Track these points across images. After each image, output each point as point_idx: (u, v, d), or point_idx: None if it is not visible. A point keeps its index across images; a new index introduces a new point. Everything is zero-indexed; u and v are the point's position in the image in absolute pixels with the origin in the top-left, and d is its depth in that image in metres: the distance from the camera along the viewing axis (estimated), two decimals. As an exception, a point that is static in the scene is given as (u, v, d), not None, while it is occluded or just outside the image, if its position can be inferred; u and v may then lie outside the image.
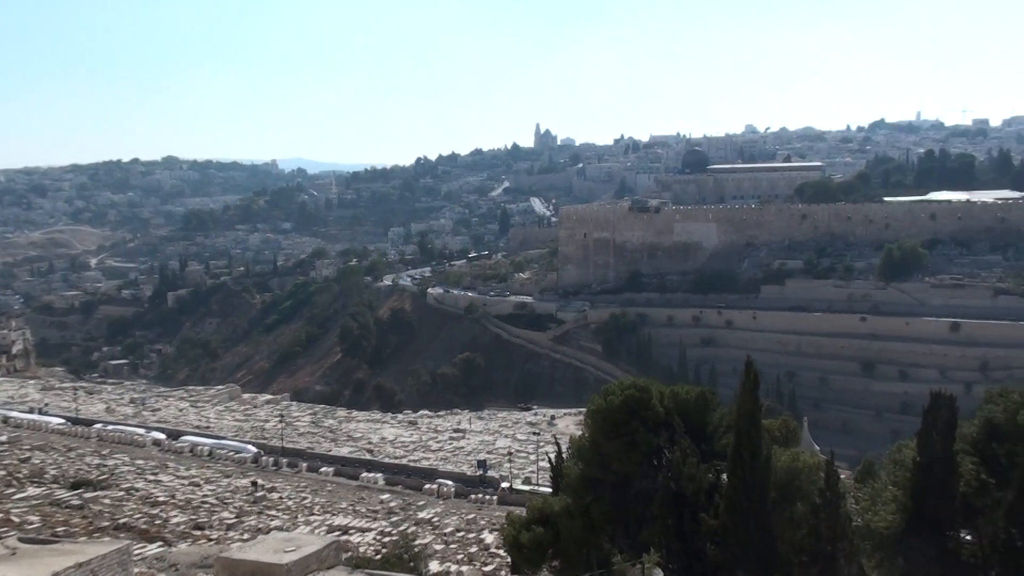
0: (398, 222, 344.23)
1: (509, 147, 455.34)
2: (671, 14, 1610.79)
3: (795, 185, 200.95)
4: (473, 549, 53.70)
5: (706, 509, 29.05)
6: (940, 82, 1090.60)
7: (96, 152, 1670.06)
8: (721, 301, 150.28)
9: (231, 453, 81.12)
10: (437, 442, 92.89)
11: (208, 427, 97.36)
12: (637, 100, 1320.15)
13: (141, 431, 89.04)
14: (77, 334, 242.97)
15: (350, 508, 63.69)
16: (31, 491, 56.70)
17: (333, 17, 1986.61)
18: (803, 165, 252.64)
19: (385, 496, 68.15)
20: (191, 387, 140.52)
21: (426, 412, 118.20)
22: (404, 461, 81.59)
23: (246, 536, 53.17)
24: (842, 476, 30.38)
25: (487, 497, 67.98)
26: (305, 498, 66.24)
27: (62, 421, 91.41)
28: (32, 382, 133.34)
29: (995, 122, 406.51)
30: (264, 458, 79.83)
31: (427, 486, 71.06)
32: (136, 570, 25.63)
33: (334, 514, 61.47)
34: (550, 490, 44.08)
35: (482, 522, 60.01)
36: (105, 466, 70.53)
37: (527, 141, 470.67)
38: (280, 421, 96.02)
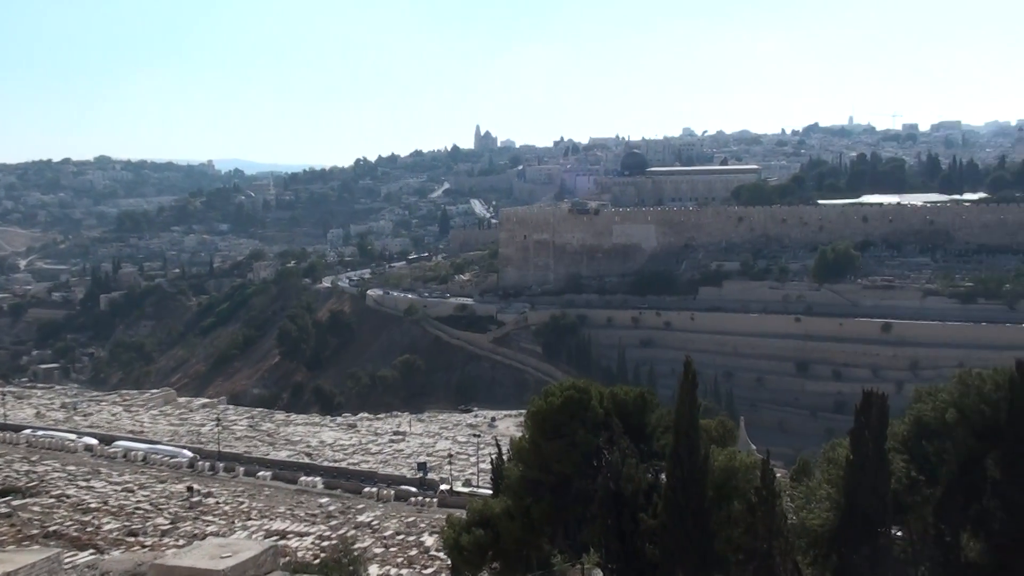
0: (337, 224, 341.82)
1: (449, 149, 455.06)
2: (610, 17, 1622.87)
3: (732, 188, 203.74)
4: (413, 552, 53.54)
5: (645, 509, 29.28)
6: (872, 87, 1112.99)
7: (25, 151, 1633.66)
8: (660, 302, 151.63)
9: (166, 458, 79.86)
10: (377, 445, 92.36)
11: (142, 432, 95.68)
12: (577, 102, 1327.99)
13: (72, 436, 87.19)
14: (5, 337, 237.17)
15: (288, 512, 63.12)
16: (-43, 499, 55.28)
17: (271, 17, 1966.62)
18: (740, 168, 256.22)
19: (324, 500, 67.66)
20: (124, 391, 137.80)
21: (366, 415, 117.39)
22: (343, 464, 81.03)
23: (181, 542, 52.45)
24: (778, 475, 30.81)
25: (427, 500, 67.78)
26: (242, 503, 65.48)
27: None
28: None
29: (924, 127, 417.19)
30: (200, 463, 78.71)
31: (366, 489, 70.67)
32: (67, 579, 25.11)
33: (272, 519, 60.87)
34: (490, 492, 44.08)
35: (422, 525, 59.89)
36: (35, 473, 69.10)
37: (467, 143, 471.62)
38: (216, 425, 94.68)
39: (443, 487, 70.15)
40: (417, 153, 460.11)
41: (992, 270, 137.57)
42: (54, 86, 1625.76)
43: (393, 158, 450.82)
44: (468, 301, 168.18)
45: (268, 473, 76.11)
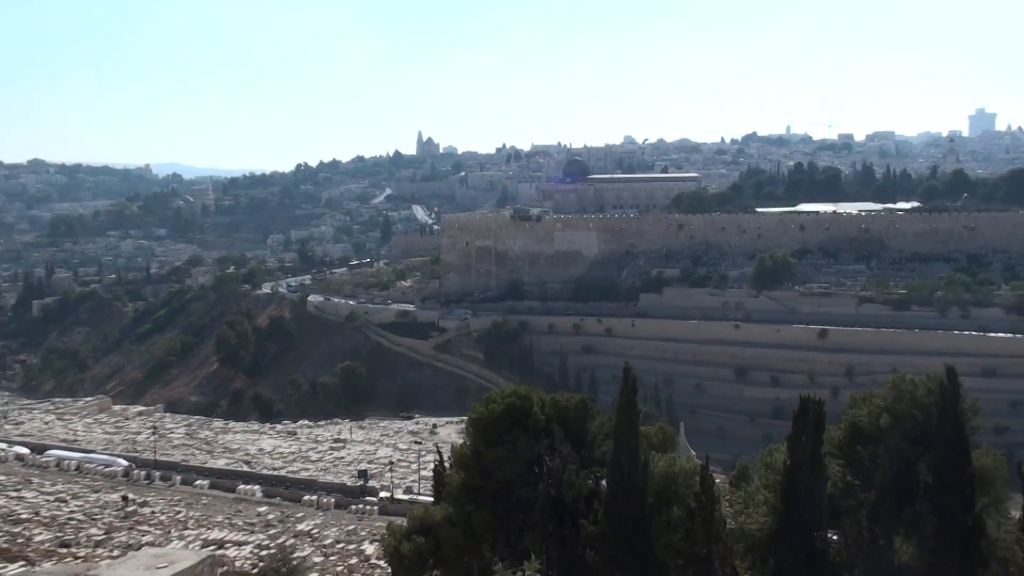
0: (277, 229, 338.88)
1: (391, 154, 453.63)
2: (552, 25, 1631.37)
3: (672, 195, 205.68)
4: (353, 560, 53.19)
5: (586, 515, 29.39)
6: (808, 98, 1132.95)
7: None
8: (601, 309, 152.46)
9: (100, 467, 78.49)
10: (317, 452, 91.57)
11: (76, 440, 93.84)
12: (519, 110, 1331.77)
13: (3, 446, 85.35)
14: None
15: (226, 521, 62.35)
16: None
17: (211, 19, 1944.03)
18: (680, 176, 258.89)
19: (263, 508, 66.92)
20: (57, 399, 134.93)
21: (306, 422, 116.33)
22: (283, 472, 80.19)
23: (116, 553, 51.56)
24: (717, 480, 31.15)
25: (368, 507, 67.33)
26: (179, 512, 64.54)
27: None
28: None
29: (859, 137, 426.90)
30: (135, 472, 77.52)
31: (306, 497, 70.08)
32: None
33: (209, 528, 60.08)
34: (431, 499, 43.97)
35: (363, 533, 59.58)
36: (-38, 483, 67.33)
37: (409, 149, 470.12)
38: (153, 433, 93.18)
39: (382, 494, 69.77)
40: (359, 159, 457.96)
41: (924, 278, 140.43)
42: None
43: (335, 163, 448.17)
44: (410, 307, 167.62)
45: (206, 482, 75.12)
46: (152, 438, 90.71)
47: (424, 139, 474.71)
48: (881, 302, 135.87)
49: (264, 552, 53.63)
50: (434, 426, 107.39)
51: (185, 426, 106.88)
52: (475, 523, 32.37)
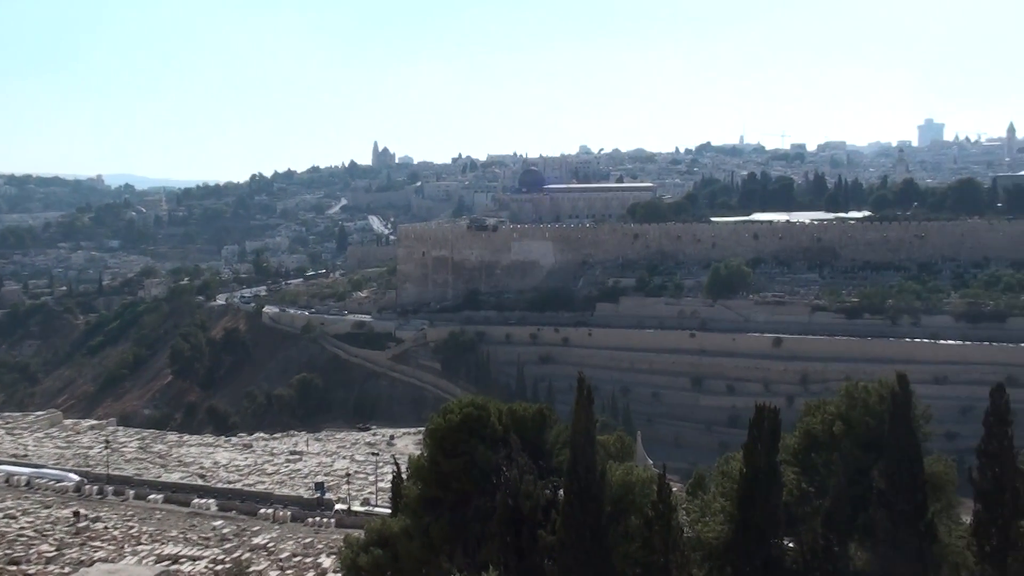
0: (232, 240, 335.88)
1: (347, 165, 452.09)
2: (507, 35, 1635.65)
3: (627, 205, 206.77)
4: (310, 574, 52.82)
5: (543, 525, 29.43)
6: (761, 108, 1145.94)
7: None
8: (558, 319, 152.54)
9: (51, 482, 77.03)
10: (273, 465, 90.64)
11: (26, 455, 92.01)
12: (475, 120, 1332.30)
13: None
14: None
15: (180, 536, 61.56)
16: None
17: (164, 29, 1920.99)
18: (635, 186, 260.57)
19: (218, 522, 66.12)
20: (7, 413, 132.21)
21: (261, 435, 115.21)
22: (238, 485, 79.18)
23: (67, 570, 50.80)
24: (674, 489, 31.32)
25: (325, 520, 66.80)
26: (132, 527, 63.60)
27: None
28: None
29: (811, 147, 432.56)
30: (88, 486, 76.19)
31: (262, 511, 69.27)
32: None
33: (163, 543, 59.29)
34: (389, 511, 43.73)
35: (320, 546, 59.13)
36: (-92, 501, 65.86)
37: (365, 159, 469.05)
38: (105, 447, 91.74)
39: (338, 506, 69.28)
40: (314, 169, 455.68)
41: (876, 286, 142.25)
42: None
43: (290, 174, 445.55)
44: (366, 318, 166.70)
45: (160, 496, 74.00)
46: (104, 452, 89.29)
47: (380, 149, 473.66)
48: (834, 310, 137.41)
49: (219, 567, 53.05)
50: (391, 437, 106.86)
51: (138, 440, 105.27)
52: (433, 534, 32.30)
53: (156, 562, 54.36)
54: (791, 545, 30.53)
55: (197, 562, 54.66)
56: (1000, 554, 27.94)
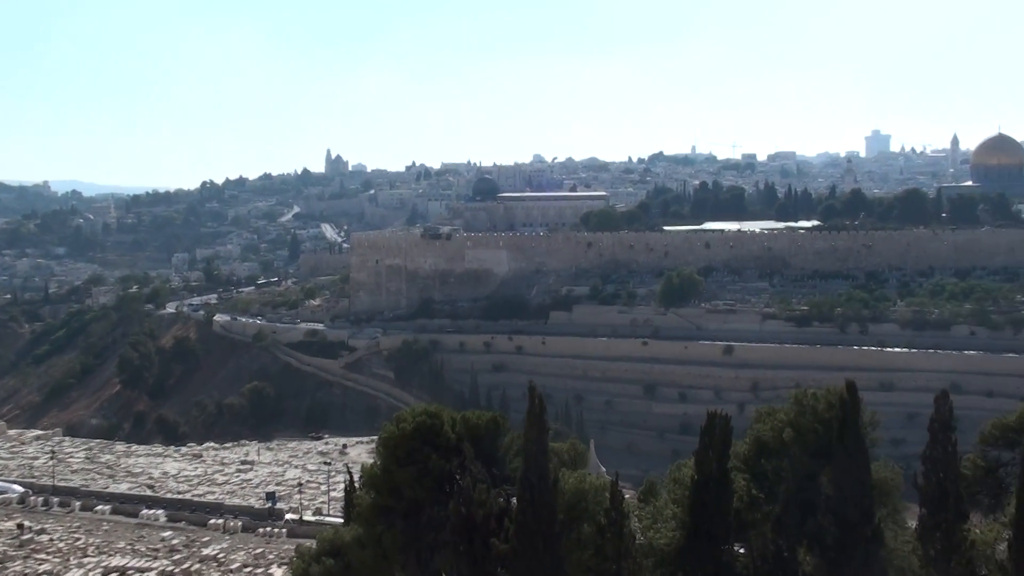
0: (182, 248, 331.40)
1: (299, 172, 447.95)
2: (461, 43, 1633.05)
3: (581, 214, 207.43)
4: (261, 585, 52.22)
5: (497, 534, 29.42)
6: (713, 118, 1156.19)
7: None
8: (512, 327, 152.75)
9: (-6, 495, 75.54)
10: (224, 475, 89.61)
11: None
12: (429, 128, 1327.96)
13: None
14: None
15: (128, 547, 60.67)
16: None
17: (113, 33, 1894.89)
18: (589, 195, 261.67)
19: (167, 533, 65.26)
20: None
21: (212, 444, 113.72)
22: (188, 496, 78.29)
23: (11, 583, 49.76)
24: (626, 496, 31.53)
25: (276, 530, 66.20)
26: (78, 539, 62.60)
27: None
28: None
29: (762, 157, 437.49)
30: (32, 498, 74.82)
31: (212, 521, 68.49)
32: None
33: (111, 555, 58.41)
34: (342, 520, 43.48)
35: (271, 556, 58.58)
36: None
37: (318, 166, 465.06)
38: (51, 458, 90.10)
39: (288, 516, 68.72)
40: (266, 176, 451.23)
41: (824, 295, 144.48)
42: None
43: (241, 181, 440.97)
44: (319, 327, 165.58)
45: (107, 507, 72.86)
46: (50, 463, 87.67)
47: (333, 157, 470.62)
48: (784, 318, 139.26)
49: (168, 579, 52.34)
50: (344, 446, 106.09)
51: (85, 450, 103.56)
52: (385, 543, 32.17)
53: (103, 574, 53.59)
54: (742, 551, 30.85)
55: (145, 574, 54.01)
56: (944, 558, 28.46)
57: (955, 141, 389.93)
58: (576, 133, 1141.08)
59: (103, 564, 55.71)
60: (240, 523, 67.98)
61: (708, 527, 28.77)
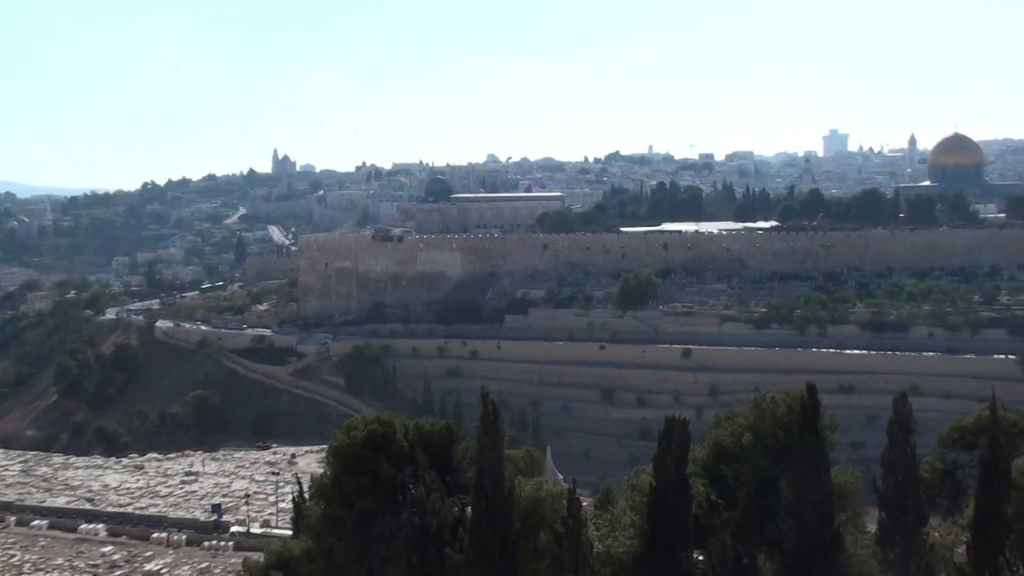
0: (123, 251, 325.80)
1: (245, 172, 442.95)
2: (411, 42, 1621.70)
3: (536, 215, 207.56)
4: (207, 599, 50.99)
5: (451, 544, 28.83)
6: (669, 117, 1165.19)
7: None
8: (466, 331, 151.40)
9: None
10: (167, 487, 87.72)
11: None
12: (379, 127, 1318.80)
13: None
14: None
15: (67, 564, 59.46)
16: None
17: (49, 29, 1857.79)
18: (544, 195, 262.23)
19: (107, 548, 63.86)
20: None
21: (154, 455, 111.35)
22: (129, 509, 76.56)
23: (-58, 603, 48.11)
24: (584, 503, 30.94)
25: (222, 543, 64.91)
26: (13, 555, 61.23)
27: None
28: None
29: (719, 157, 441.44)
30: (-36, 514, 72.75)
31: (155, 535, 67.14)
32: None
33: (48, 571, 57.29)
34: (290, 532, 42.68)
35: (217, 570, 57.75)
36: None
37: (264, 167, 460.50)
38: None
39: (233, 528, 67.44)
40: (210, 177, 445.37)
41: (783, 296, 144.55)
42: None
43: (184, 182, 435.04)
44: (266, 332, 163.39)
45: (44, 522, 71.12)
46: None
47: (280, 156, 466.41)
48: (743, 321, 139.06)
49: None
50: (293, 456, 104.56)
51: (20, 463, 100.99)
52: (336, 556, 31.61)
53: (41, 592, 52.10)
54: (701, 558, 30.48)
55: (86, 590, 52.54)
56: (903, 562, 28.30)
57: (912, 141, 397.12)
58: (531, 132, 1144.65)
59: (41, 581, 54.23)
60: (184, 537, 66.76)
61: (667, 534, 28.32)
